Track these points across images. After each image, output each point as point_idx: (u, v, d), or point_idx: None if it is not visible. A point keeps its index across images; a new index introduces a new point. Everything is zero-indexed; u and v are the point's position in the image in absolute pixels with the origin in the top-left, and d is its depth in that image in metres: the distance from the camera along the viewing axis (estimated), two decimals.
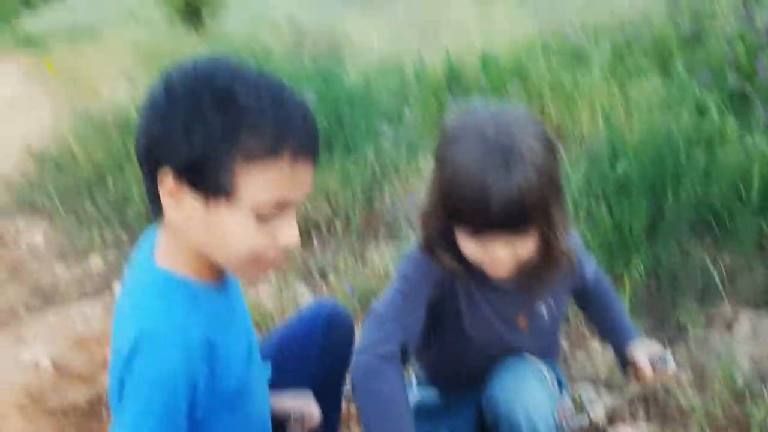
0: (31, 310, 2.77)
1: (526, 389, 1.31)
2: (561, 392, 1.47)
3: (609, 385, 1.89)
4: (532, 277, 1.31)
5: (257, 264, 1.03)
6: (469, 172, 1.15)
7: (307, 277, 2.69)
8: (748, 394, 1.76)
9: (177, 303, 1.02)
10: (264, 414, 1.24)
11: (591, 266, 1.50)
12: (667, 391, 1.79)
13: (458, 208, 1.18)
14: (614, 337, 1.52)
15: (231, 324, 1.11)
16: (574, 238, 1.40)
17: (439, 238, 1.29)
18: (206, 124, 0.93)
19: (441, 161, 1.22)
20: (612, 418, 1.79)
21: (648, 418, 1.76)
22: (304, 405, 1.36)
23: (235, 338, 1.11)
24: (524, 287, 1.35)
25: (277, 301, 2.44)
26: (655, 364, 1.40)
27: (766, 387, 1.77)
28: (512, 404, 1.29)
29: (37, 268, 3.13)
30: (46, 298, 2.87)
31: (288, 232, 1.01)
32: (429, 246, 1.31)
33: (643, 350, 1.44)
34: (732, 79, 3.20)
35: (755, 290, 2.19)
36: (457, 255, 1.28)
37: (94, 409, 2.08)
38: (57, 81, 7.29)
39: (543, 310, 1.40)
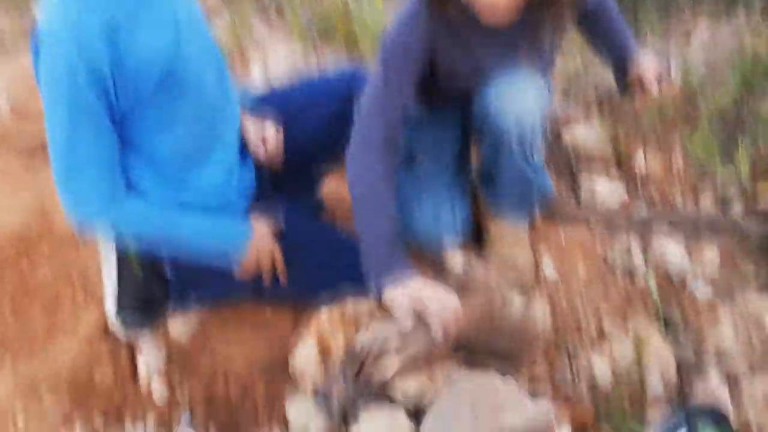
0: None
1: (520, 96, 1.27)
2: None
3: (566, 93, 1.93)
4: (537, 15, 1.23)
5: None
6: None
7: (261, 12, 2.59)
8: (699, 94, 1.80)
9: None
10: (218, 117, 1.28)
11: None
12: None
13: None
14: (614, 53, 1.45)
15: (144, 12, 1.10)
16: None
17: None
18: None
19: None
20: (567, 122, 1.85)
21: (601, 118, 1.83)
22: (262, 129, 1.42)
23: (153, 24, 1.11)
24: (529, 26, 1.27)
25: (233, 36, 2.37)
26: (661, 78, 1.31)
27: (717, 88, 1.82)
28: (503, 109, 1.26)
29: None
30: None
31: None
32: None
33: (647, 65, 1.35)
34: None
35: (716, 0, 2.17)
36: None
37: None
38: None
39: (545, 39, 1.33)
